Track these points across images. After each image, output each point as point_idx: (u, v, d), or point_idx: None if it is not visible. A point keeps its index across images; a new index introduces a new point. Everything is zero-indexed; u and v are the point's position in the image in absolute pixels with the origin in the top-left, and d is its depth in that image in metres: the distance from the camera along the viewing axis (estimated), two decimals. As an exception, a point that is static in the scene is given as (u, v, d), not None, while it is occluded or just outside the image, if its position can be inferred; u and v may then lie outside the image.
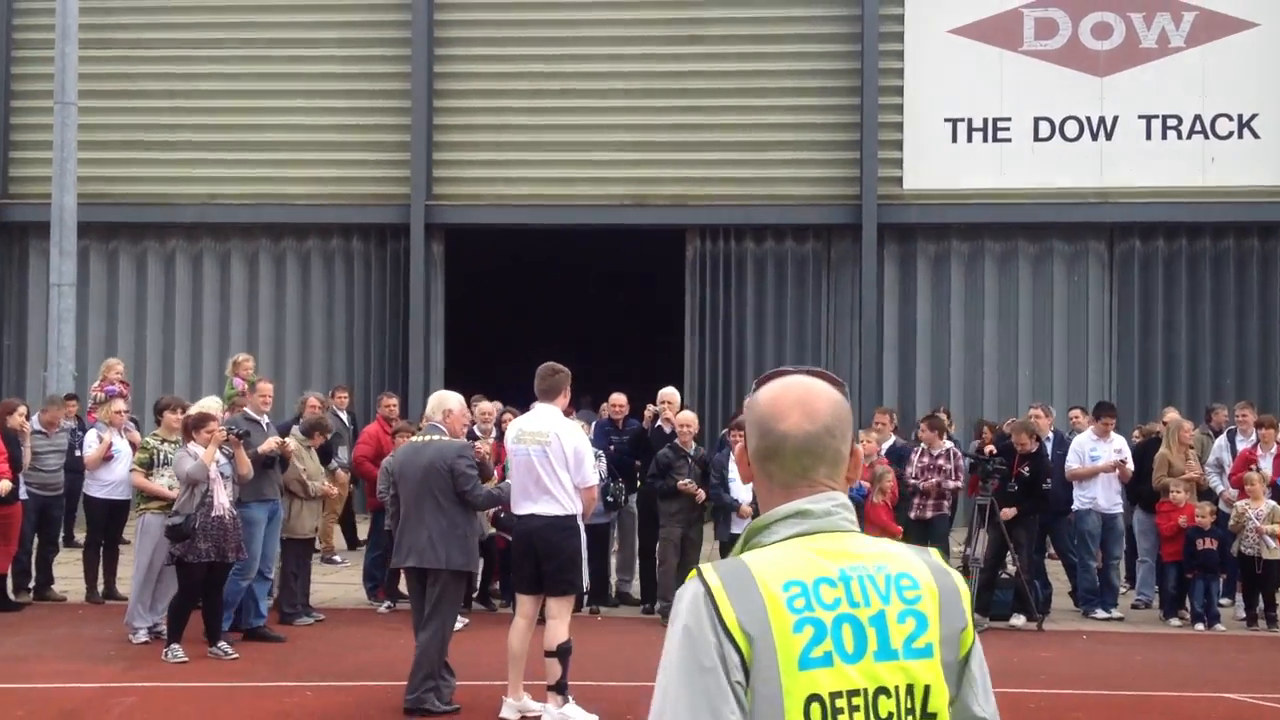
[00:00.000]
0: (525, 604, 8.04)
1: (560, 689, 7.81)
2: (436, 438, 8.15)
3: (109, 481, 11.54)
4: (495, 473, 9.79)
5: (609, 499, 11.79)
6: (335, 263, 19.16)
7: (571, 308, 24.85)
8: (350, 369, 18.98)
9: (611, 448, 12.47)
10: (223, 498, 9.38)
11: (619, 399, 12.82)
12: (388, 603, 11.56)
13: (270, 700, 8.29)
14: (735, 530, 11.49)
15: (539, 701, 7.91)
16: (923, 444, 12.41)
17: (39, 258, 18.28)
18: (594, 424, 13.06)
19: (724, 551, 11.73)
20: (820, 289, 19.16)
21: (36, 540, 11.77)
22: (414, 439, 8.43)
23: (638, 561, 12.51)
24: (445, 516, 7.97)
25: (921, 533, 12.35)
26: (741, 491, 11.45)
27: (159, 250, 19.15)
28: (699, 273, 19.14)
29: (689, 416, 11.88)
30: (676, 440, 11.77)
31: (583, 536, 8.10)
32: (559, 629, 7.86)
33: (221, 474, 9.47)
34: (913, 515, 12.25)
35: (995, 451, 11.98)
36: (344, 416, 15.21)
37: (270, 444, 10.08)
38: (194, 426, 9.51)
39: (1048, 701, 8.86)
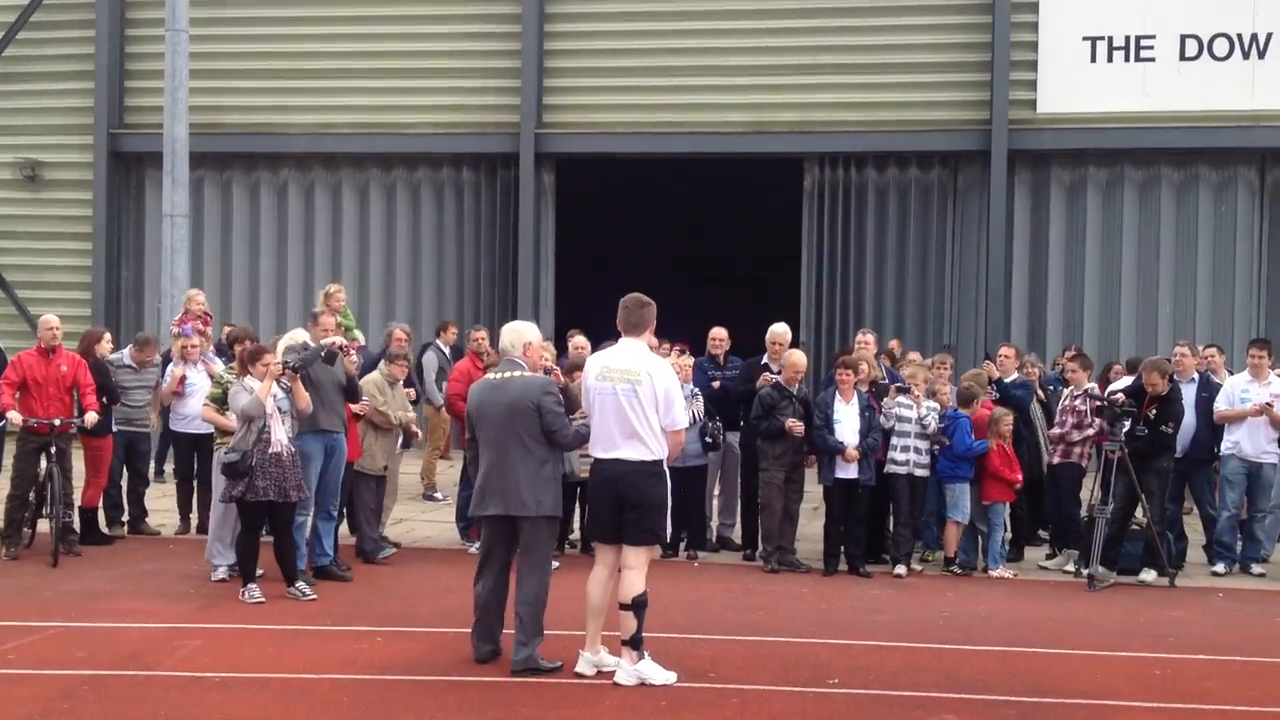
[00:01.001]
0: (606, 553, 7.42)
1: (635, 644, 7.21)
2: (517, 374, 7.51)
3: (187, 415, 11.32)
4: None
5: (707, 439, 11.13)
6: (445, 193, 18.74)
7: (685, 240, 24.15)
8: (460, 302, 18.60)
9: (716, 384, 11.77)
10: (280, 434, 8.94)
11: (719, 333, 12.07)
12: (476, 544, 11.11)
13: (338, 645, 7.87)
14: (840, 474, 10.74)
15: (616, 656, 7.31)
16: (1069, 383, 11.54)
17: (154, 188, 18.22)
18: (694, 361, 12.36)
19: (827, 497, 10.99)
20: (946, 220, 18.11)
21: (126, 474, 11.59)
22: (490, 376, 7.76)
23: (739, 505, 11.84)
24: (534, 459, 7.34)
25: (1049, 482, 11.46)
26: (846, 433, 10.68)
27: (271, 181, 18.96)
28: (817, 203, 18.22)
29: (797, 357, 11.09)
30: (781, 379, 11.03)
31: (669, 483, 7.44)
32: (635, 580, 7.23)
33: (279, 409, 9.01)
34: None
35: (1125, 393, 10.95)
36: (447, 352, 14.81)
37: (333, 339, 9.66)
38: (250, 360, 9.08)
39: (1175, 668, 7.96)
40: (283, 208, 18.93)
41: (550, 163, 18.39)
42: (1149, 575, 10.85)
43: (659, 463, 7.30)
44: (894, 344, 15.39)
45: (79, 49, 18.74)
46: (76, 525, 10.95)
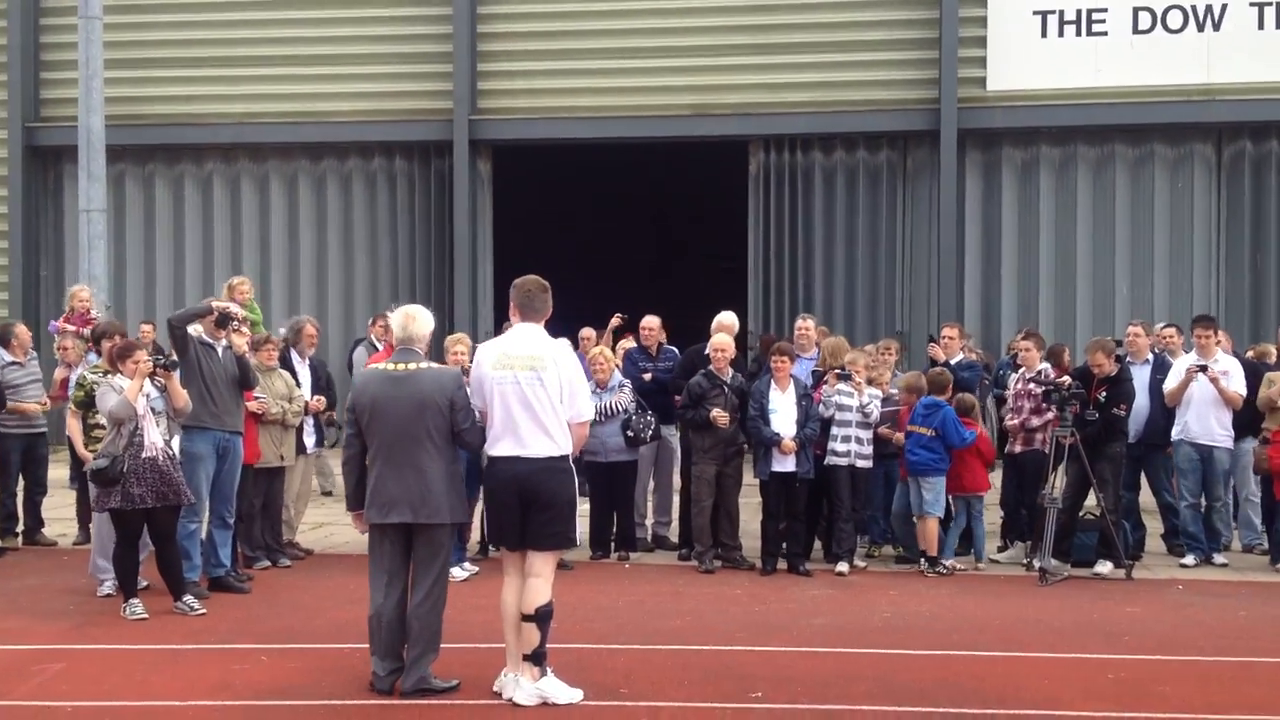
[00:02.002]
0: (515, 561, 6.62)
1: (538, 659, 6.48)
2: (424, 366, 6.69)
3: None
4: None
5: (629, 433, 10.44)
6: (378, 183, 17.96)
7: (627, 227, 23.49)
8: (395, 295, 17.75)
9: (647, 376, 11.09)
10: (155, 436, 8.16)
11: (650, 323, 11.38)
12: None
13: (215, 667, 7.13)
14: (777, 467, 10.06)
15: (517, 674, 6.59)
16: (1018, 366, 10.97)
17: (73, 183, 17.31)
18: (625, 352, 11.67)
19: (763, 492, 10.31)
20: (896, 203, 17.47)
21: (22, 481, 10.79)
22: (384, 366, 6.86)
23: (676, 502, 11.15)
24: (442, 460, 6.59)
25: (1014, 471, 10.81)
26: (783, 423, 10.00)
27: (196, 174, 18.14)
28: (763, 187, 17.54)
29: (723, 340, 10.40)
30: (712, 367, 10.35)
31: (576, 481, 6.74)
32: (540, 589, 6.49)
33: (153, 409, 8.23)
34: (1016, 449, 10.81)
35: (1070, 376, 10.34)
36: (380, 347, 14.03)
37: (225, 304, 8.99)
38: (119, 357, 8.30)
39: (1130, 670, 7.33)
40: (208, 201, 18.09)
41: (486, 150, 17.62)
42: (1104, 568, 10.25)
43: (566, 458, 6.61)
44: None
45: (-7, 40, 17.88)
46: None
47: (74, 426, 9.19)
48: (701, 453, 10.25)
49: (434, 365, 6.83)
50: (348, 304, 17.75)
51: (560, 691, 6.50)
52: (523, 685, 6.45)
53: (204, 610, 8.38)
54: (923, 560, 10.26)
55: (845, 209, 17.54)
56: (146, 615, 8.20)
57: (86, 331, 11.90)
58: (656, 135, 17.54)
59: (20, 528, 10.91)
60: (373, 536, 6.80)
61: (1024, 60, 16.90)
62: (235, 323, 9.04)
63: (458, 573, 9.41)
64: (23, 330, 10.91)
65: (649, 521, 11.35)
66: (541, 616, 6.48)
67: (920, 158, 17.33)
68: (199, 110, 17.72)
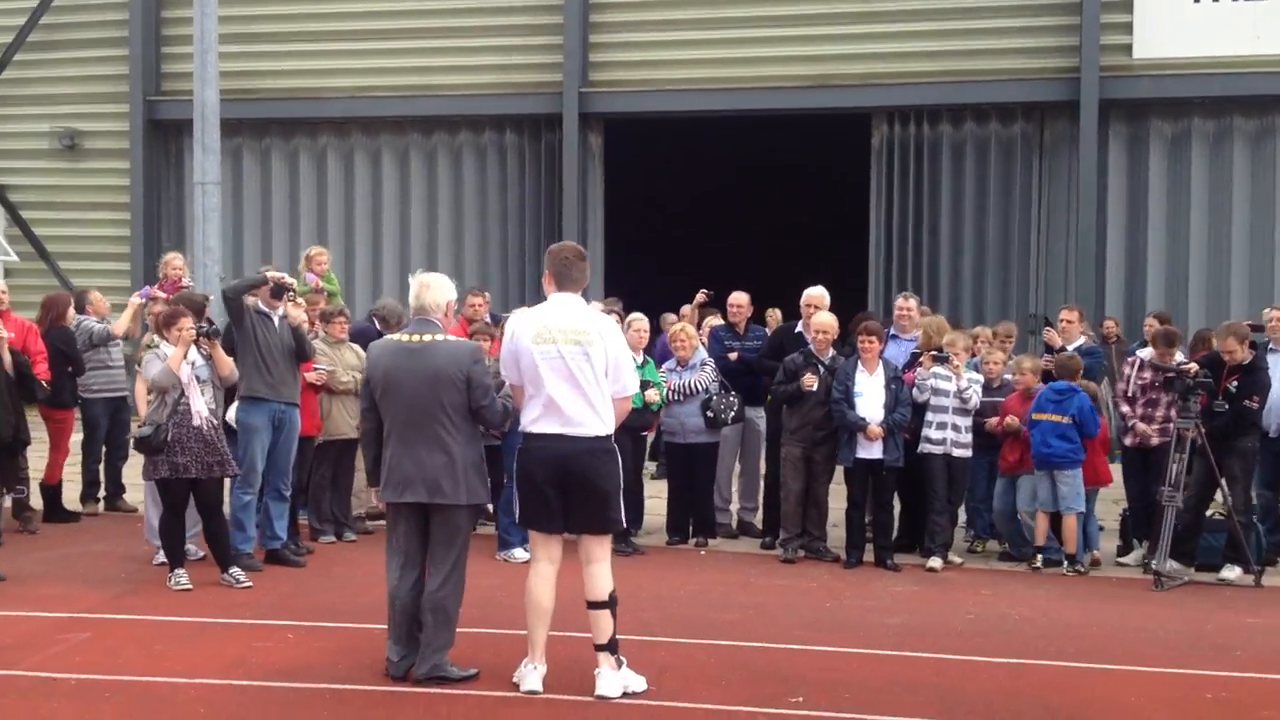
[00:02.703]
0: (550, 546, 6.19)
1: (614, 647, 6.11)
2: (439, 337, 6.29)
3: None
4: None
5: (708, 414, 9.91)
6: (488, 157, 17.73)
7: (743, 203, 22.88)
8: (505, 270, 17.62)
9: (733, 355, 10.54)
10: (200, 405, 7.97)
11: (739, 299, 10.78)
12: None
13: (237, 643, 6.88)
14: (863, 454, 9.41)
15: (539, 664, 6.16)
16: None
17: (191, 156, 17.54)
18: (710, 329, 11.13)
19: (848, 479, 9.66)
20: (1030, 178, 16.46)
21: (105, 449, 10.82)
22: (398, 337, 6.44)
23: (762, 487, 10.58)
24: (461, 437, 6.21)
25: (1141, 465, 9.90)
26: (869, 407, 9.34)
27: (310, 148, 18.19)
28: (886, 162, 16.74)
29: (826, 321, 9.78)
30: (811, 347, 9.75)
31: (620, 461, 6.26)
32: (604, 574, 6.11)
33: (198, 378, 8.04)
34: (1129, 442, 9.93)
35: (1200, 363, 9.41)
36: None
37: (279, 274, 8.69)
38: (164, 324, 8.14)
39: (1233, 690, 6.52)
40: (322, 175, 18.13)
41: (598, 123, 17.23)
42: (1231, 573, 9.32)
43: (610, 437, 6.16)
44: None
45: (116, 15, 18.18)
46: (37, 502, 10.21)
47: (140, 391, 9.09)
48: (788, 434, 9.67)
49: (451, 338, 6.40)
50: (457, 279, 17.50)
51: (636, 680, 6.15)
52: (606, 675, 6.06)
53: (250, 583, 8.18)
54: (1065, 563, 9.50)
55: (975, 185, 16.62)
56: (191, 586, 8.03)
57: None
58: (774, 108, 16.89)
59: (102, 493, 10.93)
60: (389, 516, 6.46)
61: (1174, 26, 15.73)
62: (291, 293, 8.83)
63: (519, 554, 9.06)
64: (98, 296, 10.92)
65: (734, 507, 10.82)
66: (612, 601, 6.10)
67: (1058, 130, 16.30)
68: (313, 85, 17.75)
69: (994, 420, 9.81)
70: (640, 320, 10.06)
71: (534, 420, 6.10)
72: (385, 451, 6.32)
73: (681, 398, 9.99)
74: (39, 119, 18.37)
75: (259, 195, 18.31)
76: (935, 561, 9.49)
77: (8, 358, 8.58)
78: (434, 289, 6.41)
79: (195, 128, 15.49)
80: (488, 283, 16.63)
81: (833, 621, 7.79)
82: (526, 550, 9.06)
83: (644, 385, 9.71)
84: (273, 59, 17.76)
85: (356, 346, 9.90)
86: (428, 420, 6.18)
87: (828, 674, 6.59)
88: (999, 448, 9.94)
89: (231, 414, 8.73)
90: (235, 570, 8.23)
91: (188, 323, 8.01)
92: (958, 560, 9.70)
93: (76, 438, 10.76)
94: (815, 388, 9.46)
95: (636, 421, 9.70)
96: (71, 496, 10.74)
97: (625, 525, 6.81)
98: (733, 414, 9.99)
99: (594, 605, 6.10)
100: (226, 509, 8.60)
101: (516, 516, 6.39)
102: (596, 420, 6.07)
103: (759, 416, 10.53)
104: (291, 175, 18.24)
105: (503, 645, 6.66)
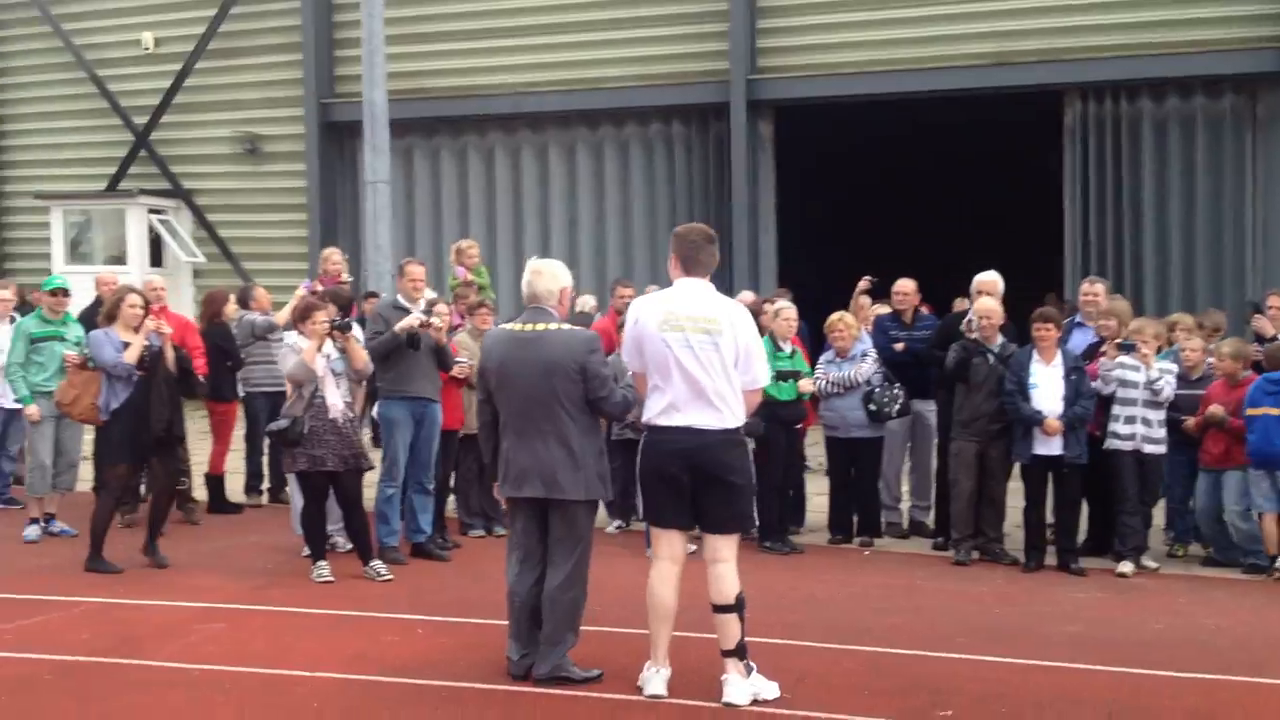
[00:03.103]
0: (674, 543, 5.83)
1: (742, 652, 5.74)
2: (552, 326, 6.03)
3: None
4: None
5: (871, 408, 9.37)
6: (655, 149, 17.47)
7: (925, 189, 22.04)
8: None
9: (898, 346, 9.96)
10: (335, 398, 7.91)
11: (905, 286, 10.17)
12: (617, 522, 9.83)
13: (366, 637, 6.75)
14: (1040, 450, 8.73)
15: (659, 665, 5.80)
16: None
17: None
18: (875, 319, 10.57)
19: (1025, 477, 8.99)
20: (1243, 155, 15.25)
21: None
22: (511, 326, 6.18)
23: (934, 485, 9.97)
24: (577, 430, 5.94)
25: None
26: (1045, 400, 8.67)
27: (479, 145, 18.29)
28: (1080, 142, 15.77)
29: (986, 304, 9.15)
30: (978, 334, 9.13)
31: (751, 456, 5.94)
32: (730, 576, 5.73)
33: (332, 371, 7.99)
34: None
35: None
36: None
37: (409, 321, 8.50)
38: (299, 318, 8.10)
39: None
40: (490, 171, 18.19)
41: (767, 111, 16.77)
42: None
43: (739, 430, 5.80)
44: None
45: (289, 20, 18.63)
46: (201, 493, 10.40)
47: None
48: (960, 428, 9.07)
49: (565, 326, 6.11)
50: (627, 271, 17.36)
51: (768, 687, 5.76)
52: (734, 682, 5.69)
53: (390, 577, 8.09)
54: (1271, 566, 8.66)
55: (1181, 165, 15.49)
56: (332, 579, 7.98)
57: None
58: (953, 88, 16.10)
59: (266, 485, 11.08)
60: (509, 511, 6.24)
61: None
62: (434, 322, 8.71)
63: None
64: (262, 292, 11.06)
65: (905, 505, 10.25)
66: (739, 605, 5.72)
67: (1272, 104, 15.07)
68: (480, 82, 17.83)
69: (1192, 421, 8.99)
70: (789, 309, 9.61)
71: (660, 412, 5.76)
72: (502, 444, 6.09)
73: (841, 390, 9.50)
74: (220, 124, 19.01)
75: (430, 193, 18.51)
76: (1125, 566, 8.73)
77: (170, 354, 8.72)
78: (545, 275, 6.15)
79: (365, 128, 15.78)
80: (657, 277, 16.38)
81: (1001, 629, 7.18)
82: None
83: (795, 375, 9.29)
84: (439, 58, 17.91)
85: None
86: (543, 412, 5.94)
87: (985, 685, 6.03)
88: (1199, 444, 9.11)
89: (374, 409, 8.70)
90: (376, 564, 8.15)
91: (322, 316, 7.97)
92: (1153, 565, 8.91)
93: (241, 431, 10.94)
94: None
95: (789, 414, 9.32)
96: (235, 489, 10.90)
97: (756, 523, 6.38)
98: (897, 407, 9.43)
99: (719, 609, 5.73)
100: (370, 503, 8.54)
101: (640, 511, 6.05)
102: (726, 412, 5.71)
103: (930, 410, 9.93)
104: (460, 173, 18.37)
105: (635, 645, 6.30)
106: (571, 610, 5.98)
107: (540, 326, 6.02)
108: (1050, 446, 8.70)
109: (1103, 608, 7.81)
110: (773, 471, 9.12)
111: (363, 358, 8.23)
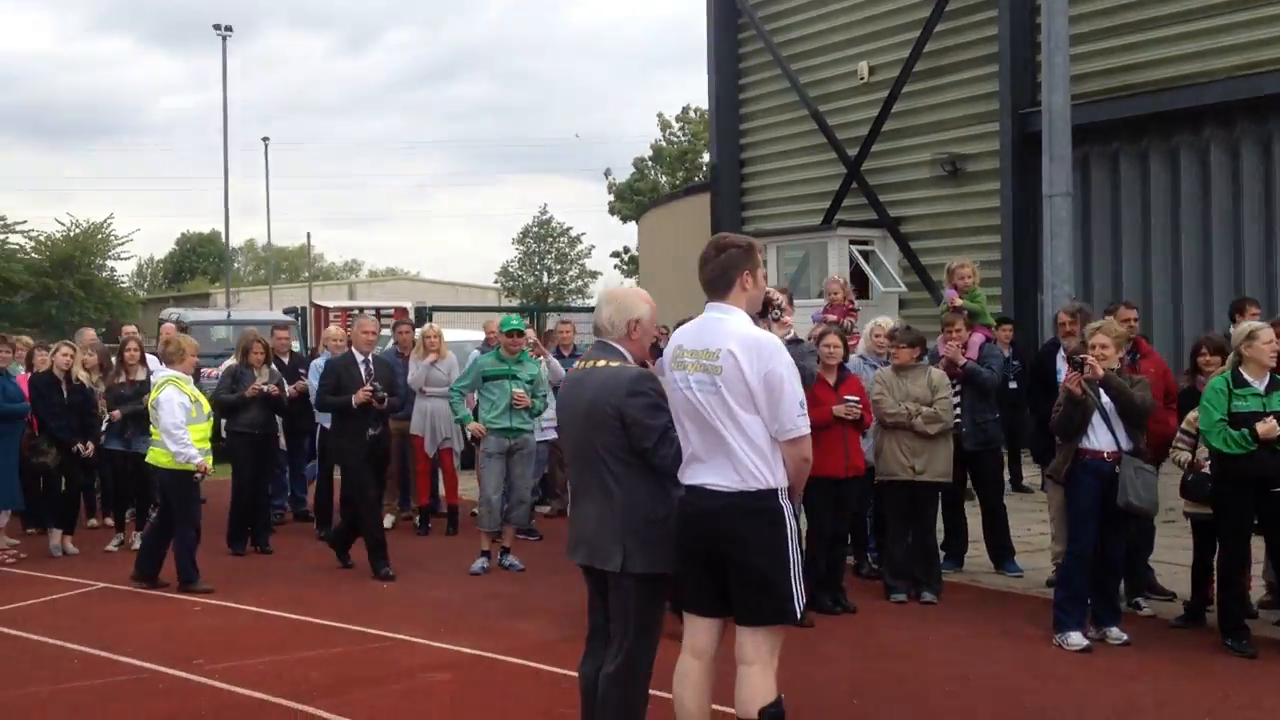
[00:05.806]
0: (696, 633, 4.97)
1: None
2: (601, 363, 5.18)
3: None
4: None
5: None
6: None
7: None
8: None
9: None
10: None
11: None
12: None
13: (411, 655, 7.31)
14: None
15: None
16: None
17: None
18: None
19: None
20: None
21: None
22: (578, 364, 5.42)
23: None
24: (623, 487, 5.05)
25: None
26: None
27: (1193, 144, 16.36)
28: None
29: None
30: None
31: (791, 525, 4.81)
32: (759, 681, 4.77)
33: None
34: None
35: None
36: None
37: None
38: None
39: None
40: (1174, 176, 16.24)
41: None
42: None
43: (769, 493, 4.76)
44: None
45: (989, 30, 18.24)
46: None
47: None
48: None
49: (614, 364, 5.19)
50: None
51: None
52: None
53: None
54: None
55: None
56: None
57: (847, 323, 12.12)
58: None
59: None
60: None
61: None
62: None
63: (1074, 639, 7.42)
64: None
65: None
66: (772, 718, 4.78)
67: None
68: (1175, 73, 16.02)
69: None
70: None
71: (684, 469, 4.97)
72: None
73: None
74: (922, 148, 19.34)
75: (1107, 204, 17.05)
76: None
77: None
78: (611, 305, 5.28)
79: (1043, 135, 15.24)
80: None
81: None
82: (1086, 636, 7.52)
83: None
84: (1131, 51, 16.46)
85: None
86: (590, 464, 5.18)
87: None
88: None
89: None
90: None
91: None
92: None
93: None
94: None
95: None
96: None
97: (799, 614, 4.85)
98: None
99: None
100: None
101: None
102: (743, 469, 4.73)
103: None
104: (1142, 179, 16.70)
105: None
106: (621, 701, 5.10)
107: (590, 364, 5.26)
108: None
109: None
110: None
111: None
